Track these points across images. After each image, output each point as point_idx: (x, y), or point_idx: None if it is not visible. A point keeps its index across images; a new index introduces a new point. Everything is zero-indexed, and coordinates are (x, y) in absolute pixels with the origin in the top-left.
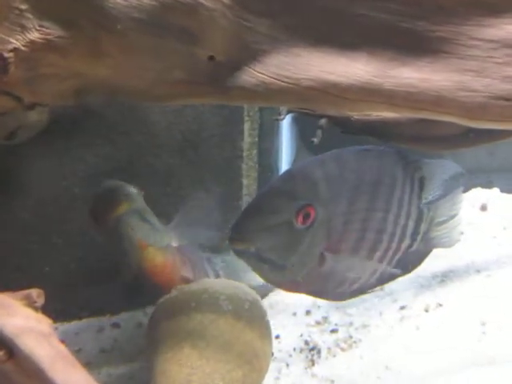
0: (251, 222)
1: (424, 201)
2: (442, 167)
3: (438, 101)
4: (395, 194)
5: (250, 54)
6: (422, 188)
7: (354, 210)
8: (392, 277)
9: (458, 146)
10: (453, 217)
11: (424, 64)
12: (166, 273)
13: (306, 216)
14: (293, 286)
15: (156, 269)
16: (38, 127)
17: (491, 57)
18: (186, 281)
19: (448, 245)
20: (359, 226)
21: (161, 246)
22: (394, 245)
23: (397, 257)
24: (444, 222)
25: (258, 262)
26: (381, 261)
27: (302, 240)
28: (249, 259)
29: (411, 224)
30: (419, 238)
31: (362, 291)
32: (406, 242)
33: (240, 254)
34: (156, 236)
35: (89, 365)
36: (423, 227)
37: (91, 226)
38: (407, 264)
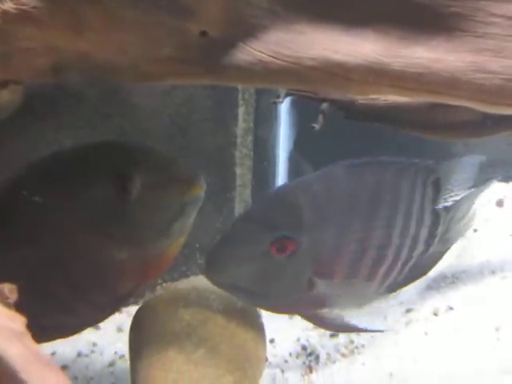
0: (225, 253)
1: (442, 203)
2: (462, 166)
3: (451, 83)
4: (400, 207)
5: (247, 30)
6: (437, 191)
7: (347, 232)
8: (407, 281)
9: (474, 134)
10: (468, 212)
11: (437, 43)
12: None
13: (281, 248)
14: (282, 311)
15: (168, 263)
16: (10, 108)
17: None
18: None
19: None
20: (355, 247)
21: None
22: (403, 256)
23: (409, 265)
24: (461, 218)
25: (237, 292)
26: (388, 273)
27: (283, 270)
28: (227, 289)
29: (424, 231)
30: (436, 240)
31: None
32: (420, 249)
33: (217, 284)
34: None
35: (65, 369)
36: (441, 230)
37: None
38: (423, 266)
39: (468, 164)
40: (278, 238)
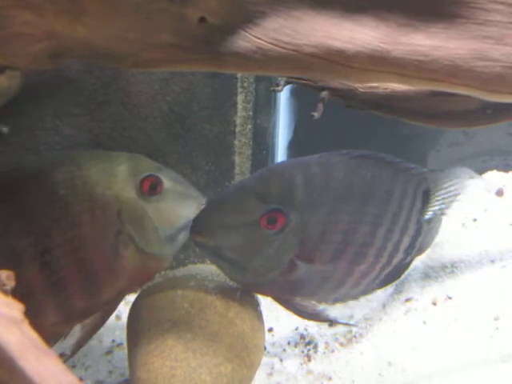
0: (214, 217)
1: (427, 215)
2: (451, 177)
3: (452, 71)
4: (389, 209)
5: (247, 16)
6: (425, 202)
7: (335, 221)
8: (380, 286)
9: (474, 123)
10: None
11: (438, 30)
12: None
13: (272, 221)
14: (256, 288)
15: (155, 273)
16: (7, 94)
17: None
18: None
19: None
20: (340, 238)
21: None
22: (383, 259)
23: (386, 271)
24: (434, 227)
25: (218, 258)
26: (366, 274)
27: (268, 244)
28: (208, 253)
29: (407, 240)
30: (414, 251)
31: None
32: (399, 257)
33: (199, 246)
34: None
35: (63, 357)
36: (420, 240)
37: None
38: (396, 273)
39: (457, 176)
40: (270, 210)
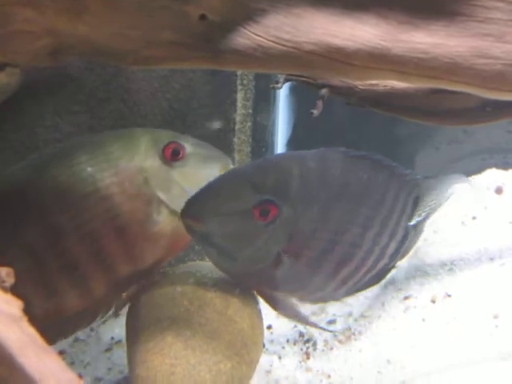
0: (207, 202)
1: (414, 220)
2: (442, 184)
3: (452, 68)
4: (381, 213)
5: (247, 14)
6: (415, 208)
7: (326, 218)
8: (361, 288)
9: (473, 121)
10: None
11: (438, 28)
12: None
13: (264, 212)
14: (242, 279)
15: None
16: (7, 91)
17: None
18: None
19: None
20: (329, 236)
21: None
22: (369, 263)
23: (370, 274)
24: (418, 233)
25: (207, 244)
26: (350, 276)
27: (258, 235)
28: (198, 239)
29: (393, 245)
30: (399, 256)
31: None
32: (384, 261)
33: (189, 230)
34: None
35: (62, 354)
36: (405, 245)
37: None
38: (378, 276)
39: (448, 183)
40: (263, 201)
